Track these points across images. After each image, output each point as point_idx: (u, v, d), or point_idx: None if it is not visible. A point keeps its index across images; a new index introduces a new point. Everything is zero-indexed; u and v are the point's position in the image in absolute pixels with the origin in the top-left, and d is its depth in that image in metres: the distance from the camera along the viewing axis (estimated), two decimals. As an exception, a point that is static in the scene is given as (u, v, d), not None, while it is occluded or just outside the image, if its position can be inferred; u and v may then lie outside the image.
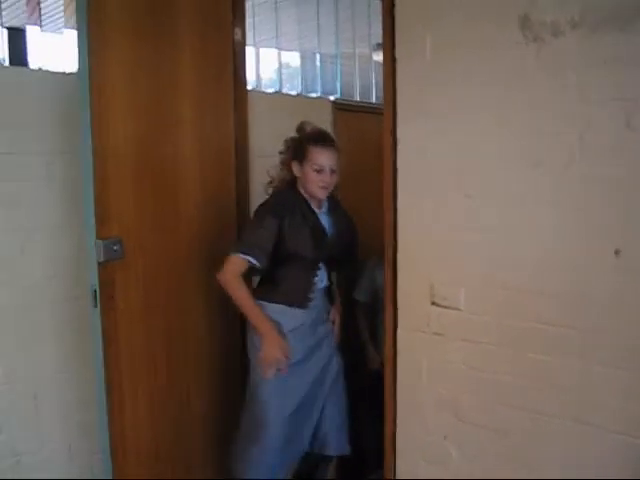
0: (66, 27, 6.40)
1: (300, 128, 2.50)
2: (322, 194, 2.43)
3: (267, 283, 2.47)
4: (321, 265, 2.50)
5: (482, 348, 1.98)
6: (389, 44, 2.09)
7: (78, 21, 2.02)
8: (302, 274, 2.46)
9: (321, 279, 2.52)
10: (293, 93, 4.34)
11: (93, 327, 2.12)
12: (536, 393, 1.88)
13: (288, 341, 2.40)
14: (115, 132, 2.11)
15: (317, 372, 2.54)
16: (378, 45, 4.19)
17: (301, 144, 2.44)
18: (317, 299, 2.52)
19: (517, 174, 1.86)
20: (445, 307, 2.05)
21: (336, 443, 2.58)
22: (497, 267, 1.92)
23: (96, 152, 2.03)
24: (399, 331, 2.16)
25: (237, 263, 2.30)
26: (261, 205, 2.42)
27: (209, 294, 2.47)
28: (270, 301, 2.42)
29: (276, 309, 2.42)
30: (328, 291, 2.62)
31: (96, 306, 2.08)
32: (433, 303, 2.07)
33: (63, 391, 2.46)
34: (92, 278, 2.08)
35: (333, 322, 2.68)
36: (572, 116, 1.73)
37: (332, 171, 2.42)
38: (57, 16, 6.09)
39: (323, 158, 2.40)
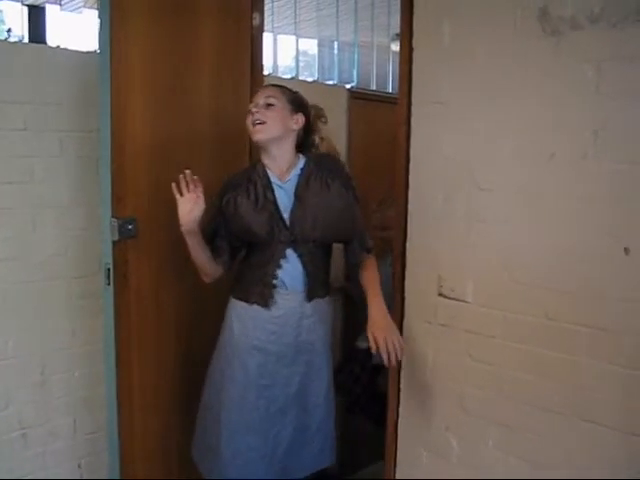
0: (85, 7, 6.42)
1: None
2: (256, 134, 2.02)
3: (236, 276, 2.17)
4: (288, 251, 2.05)
5: (488, 341, 1.98)
6: (407, 33, 2.08)
7: (100, 2, 2.05)
8: (259, 262, 2.07)
9: (294, 272, 2.06)
10: (310, 80, 4.33)
11: (105, 304, 2.14)
12: (541, 389, 1.87)
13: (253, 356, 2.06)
14: (133, 112, 2.14)
15: (286, 398, 2.11)
16: (397, 35, 4.16)
17: None
18: (290, 296, 2.07)
19: (531, 167, 1.84)
20: (452, 299, 2.05)
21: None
22: (506, 261, 1.92)
23: (114, 131, 2.06)
24: (405, 321, 2.17)
25: None
26: None
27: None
28: (233, 296, 2.14)
29: (237, 307, 2.12)
30: (319, 285, 2.12)
31: (109, 284, 2.11)
32: (440, 294, 2.07)
33: (70, 366, 2.49)
34: (106, 256, 2.11)
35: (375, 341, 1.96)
36: (588, 110, 1.72)
37: (268, 105, 2.03)
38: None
39: (257, 95, 2.09)
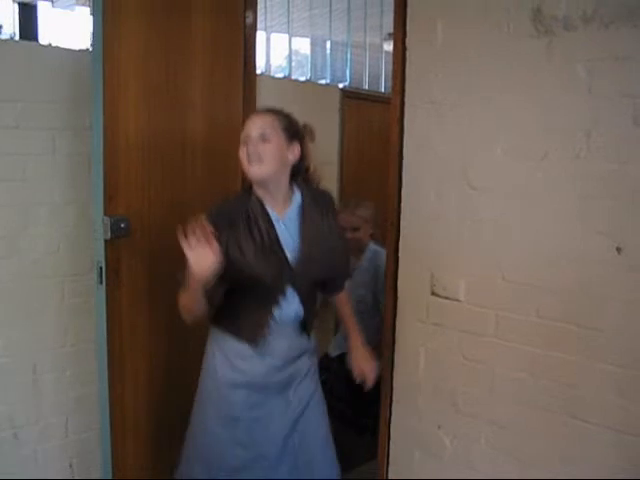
0: (77, 4, 6.39)
1: None
2: (252, 171, 1.85)
3: (220, 310, 1.95)
4: (288, 292, 1.93)
5: (480, 340, 1.98)
6: (400, 33, 2.08)
7: (93, 0, 2.04)
8: (256, 301, 1.91)
9: (288, 310, 1.94)
10: (302, 79, 4.33)
11: (97, 303, 2.14)
12: (533, 387, 1.88)
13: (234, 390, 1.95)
14: (125, 110, 2.13)
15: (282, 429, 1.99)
16: (389, 35, 4.17)
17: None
18: (281, 337, 1.96)
19: (523, 167, 1.85)
20: (445, 298, 2.05)
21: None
22: (499, 260, 1.92)
23: (106, 129, 2.06)
24: (398, 320, 2.17)
25: (178, 299, 1.88)
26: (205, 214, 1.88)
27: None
28: (218, 328, 1.99)
29: (222, 340, 1.98)
30: (305, 325, 2.02)
31: (101, 282, 2.10)
32: (433, 293, 2.08)
33: (61, 365, 2.47)
34: (98, 255, 2.10)
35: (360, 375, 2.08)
36: (580, 111, 1.73)
37: (263, 139, 1.85)
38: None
39: (249, 125, 1.89)
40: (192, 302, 1.85)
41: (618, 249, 1.69)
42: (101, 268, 2.10)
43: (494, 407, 1.97)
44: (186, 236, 1.70)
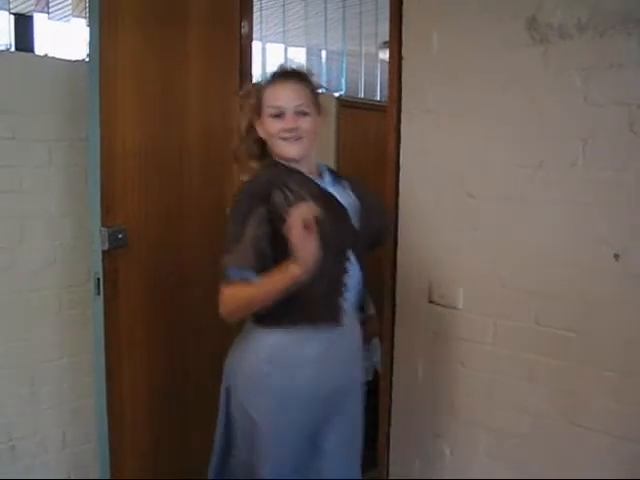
0: (73, 15, 6.40)
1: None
2: (291, 149, 1.64)
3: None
4: (350, 255, 1.67)
5: (479, 348, 1.98)
6: (396, 42, 2.09)
7: (90, 11, 2.04)
8: (324, 272, 1.53)
9: (354, 279, 1.69)
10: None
11: (95, 315, 2.12)
12: (532, 394, 1.88)
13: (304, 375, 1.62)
14: (122, 122, 2.12)
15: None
16: (384, 43, 4.18)
17: (257, 93, 1.70)
18: (351, 311, 1.70)
19: (520, 175, 1.86)
20: (443, 306, 2.05)
21: None
22: (496, 267, 1.92)
23: (103, 140, 2.05)
24: (396, 329, 2.17)
25: (231, 294, 1.59)
26: (234, 198, 1.65)
27: (211, 286, 2.47)
28: (279, 326, 1.63)
29: (287, 340, 1.63)
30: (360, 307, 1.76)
31: (99, 294, 2.09)
32: (431, 302, 2.08)
33: (59, 377, 2.46)
34: (95, 266, 2.09)
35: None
36: (576, 118, 1.73)
37: (301, 113, 1.64)
38: (64, 4, 6.08)
39: (280, 95, 1.65)
40: (273, 296, 1.53)
41: (616, 256, 1.69)
42: (99, 279, 2.09)
43: (493, 414, 1.97)
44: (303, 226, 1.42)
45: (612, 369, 1.72)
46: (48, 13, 6.63)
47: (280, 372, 1.62)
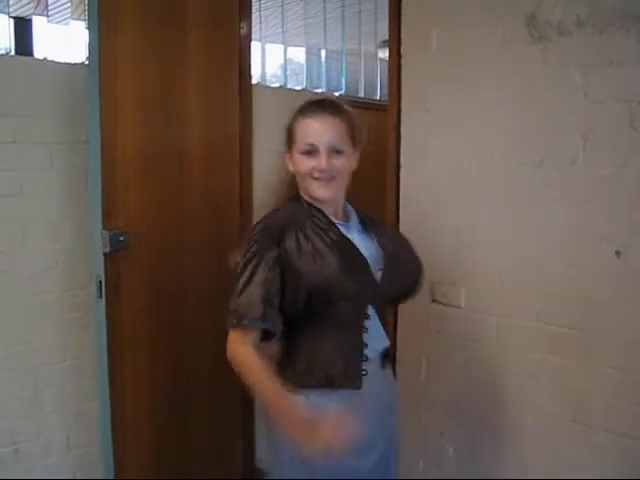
0: (72, 18, 6.40)
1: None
2: (322, 192, 1.52)
3: (285, 359, 1.54)
4: (370, 311, 1.54)
5: (482, 346, 1.98)
6: (395, 41, 2.09)
7: (89, 14, 2.04)
8: (341, 329, 1.50)
9: (374, 335, 1.55)
10: (298, 88, 4.33)
11: (97, 317, 2.12)
12: (535, 393, 1.88)
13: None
14: (122, 124, 2.13)
15: None
16: (384, 42, 4.18)
17: (290, 125, 1.59)
18: (374, 372, 1.54)
19: (520, 173, 1.85)
20: (446, 305, 2.05)
21: None
22: (498, 266, 1.92)
23: (104, 143, 2.05)
24: (399, 328, 2.16)
25: (238, 338, 1.45)
26: (250, 234, 1.53)
27: (213, 288, 2.47)
28: (298, 385, 1.47)
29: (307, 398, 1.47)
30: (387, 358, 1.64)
31: (101, 297, 2.09)
32: (434, 301, 2.08)
33: (62, 380, 2.46)
34: (97, 269, 2.09)
35: None
36: (576, 115, 1.73)
37: (335, 151, 1.51)
38: (63, 7, 6.08)
39: (312, 130, 1.52)
40: (255, 390, 1.45)
41: (617, 253, 1.69)
42: (100, 282, 2.09)
43: (497, 413, 1.97)
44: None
45: (615, 366, 1.72)
46: (47, 16, 6.63)
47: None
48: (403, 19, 2.07)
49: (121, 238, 2.10)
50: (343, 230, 1.55)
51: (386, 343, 1.60)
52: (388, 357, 1.64)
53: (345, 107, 1.59)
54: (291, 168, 1.58)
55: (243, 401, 2.58)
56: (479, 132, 1.93)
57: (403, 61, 2.08)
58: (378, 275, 1.55)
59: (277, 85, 4.15)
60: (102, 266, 2.08)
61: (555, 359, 1.83)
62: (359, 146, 1.61)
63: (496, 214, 1.92)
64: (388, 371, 1.65)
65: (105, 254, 2.07)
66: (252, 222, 2.49)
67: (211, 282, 2.45)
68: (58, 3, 6.29)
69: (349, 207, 1.65)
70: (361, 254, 1.54)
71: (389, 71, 2.15)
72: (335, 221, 1.56)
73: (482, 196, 1.94)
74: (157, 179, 2.26)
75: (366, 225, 1.64)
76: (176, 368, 2.38)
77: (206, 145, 2.43)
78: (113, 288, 2.11)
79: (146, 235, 2.22)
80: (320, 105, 1.56)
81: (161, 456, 2.35)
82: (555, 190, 1.79)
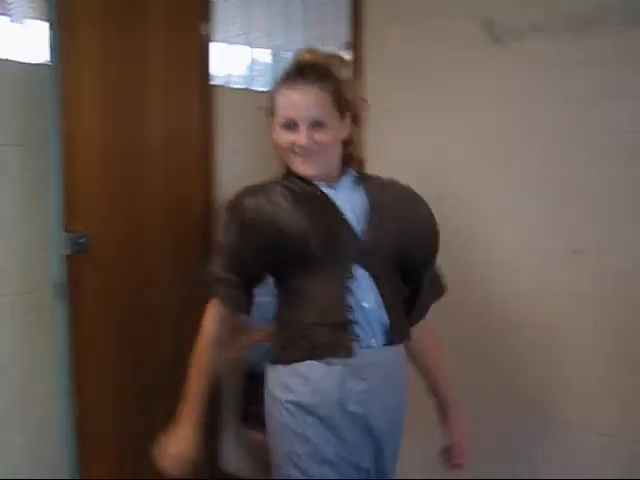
0: (30, 17, 6.29)
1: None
2: (304, 168, 1.43)
3: (275, 335, 1.50)
4: (355, 268, 1.41)
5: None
6: (357, 42, 2.10)
7: (48, 13, 2.05)
8: (320, 292, 1.40)
9: (363, 296, 1.41)
10: (263, 90, 4.32)
11: (57, 321, 2.10)
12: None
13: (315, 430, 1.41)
14: (83, 126, 2.11)
15: None
16: (347, 44, 4.18)
17: (271, 92, 1.50)
18: (375, 349, 1.43)
19: (484, 173, 1.87)
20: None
21: None
22: (467, 266, 1.93)
23: (65, 144, 2.04)
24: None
25: (210, 308, 1.52)
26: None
27: (176, 291, 2.45)
28: (284, 361, 1.45)
29: (290, 375, 1.43)
30: (395, 335, 1.47)
31: (60, 299, 2.07)
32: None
33: (16, 386, 2.40)
34: (57, 271, 2.08)
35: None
36: (538, 117, 1.76)
37: (318, 124, 1.39)
38: (18, 4, 5.98)
39: (291, 102, 1.40)
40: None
41: (576, 251, 1.71)
42: (60, 285, 2.07)
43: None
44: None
45: (581, 364, 1.74)
46: (10, 16, 6.51)
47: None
48: (364, 21, 2.07)
49: (81, 240, 2.10)
50: (325, 189, 1.46)
51: (381, 312, 1.43)
52: (393, 335, 1.45)
53: (331, 70, 1.44)
54: (275, 137, 1.48)
55: (208, 401, 2.56)
56: (440, 133, 1.95)
57: (364, 63, 2.09)
58: (364, 231, 1.43)
59: (241, 87, 4.13)
60: (62, 269, 2.07)
61: (524, 358, 1.83)
62: (351, 111, 1.48)
63: (461, 215, 1.94)
64: (395, 354, 1.50)
65: (65, 256, 2.07)
66: (213, 223, 2.49)
67: (170, 283, 2.44)
68: (17, 1, 6.18)
69: (350, 172, 1.52)
70: (337, 208, 1.43)
71: (352, 72, 2.15)
72: (317, 183, 1.46)
73: (443, 197, 1.94)
74: (117, 181, 2.25)
75: (360, 183, 1.51)
76: (139, 368, 2.36)
77: (167, 146, 2.42)
78: (74, 290, 2.10)
79: (106, 237, 2.21)
80: (301, 72, 1.42)
81: (127, 463, 2.32)
82: (523, 191, 1.82)
